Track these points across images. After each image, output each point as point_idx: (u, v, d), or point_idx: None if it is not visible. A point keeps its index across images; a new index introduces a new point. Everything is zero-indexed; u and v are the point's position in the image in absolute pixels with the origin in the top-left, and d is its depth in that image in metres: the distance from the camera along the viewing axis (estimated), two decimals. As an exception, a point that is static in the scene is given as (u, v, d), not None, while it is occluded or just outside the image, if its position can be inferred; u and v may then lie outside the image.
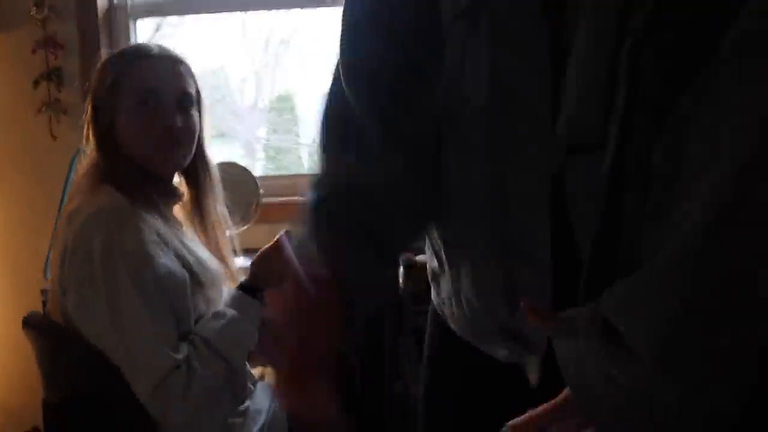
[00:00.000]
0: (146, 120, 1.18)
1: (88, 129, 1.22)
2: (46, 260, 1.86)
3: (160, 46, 1.24)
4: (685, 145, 0.54)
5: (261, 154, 2.60)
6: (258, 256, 1.28)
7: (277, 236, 1.26)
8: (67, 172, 1.91)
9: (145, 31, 2.38)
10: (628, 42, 0.57)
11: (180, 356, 1.07)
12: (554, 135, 0.63)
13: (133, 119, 1.18)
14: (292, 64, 2.55)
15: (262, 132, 2.62)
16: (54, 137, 2.24)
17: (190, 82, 1.23)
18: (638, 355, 0.52)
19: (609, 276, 0.57)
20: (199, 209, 1.30)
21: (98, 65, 1.24)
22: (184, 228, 1.28)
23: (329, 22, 2.41)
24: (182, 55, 1.24)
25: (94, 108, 1.21)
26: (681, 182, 0.54)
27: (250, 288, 1.23)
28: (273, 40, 2.55)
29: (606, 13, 0.59)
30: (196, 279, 1.16)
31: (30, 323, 1.20)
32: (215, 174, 1.32)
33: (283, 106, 2.62)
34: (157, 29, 2.42)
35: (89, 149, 1.22)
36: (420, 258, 1.74)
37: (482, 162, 0.69)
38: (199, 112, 1.25)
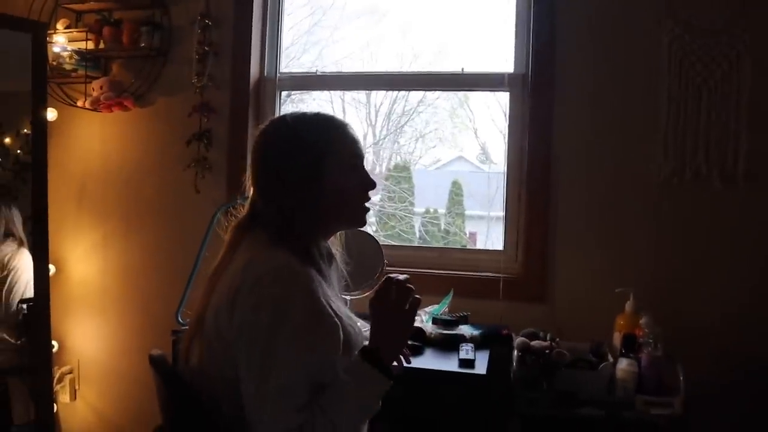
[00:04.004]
0: None
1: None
2: (179, 305, 1.99)
3: None
4: None
5: (373, 219, 2.67)
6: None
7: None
8: (208, 226, 2.05)
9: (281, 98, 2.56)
10: None
11: (300, 419, 1.08)
12: None
13: None
14: (411, 136, 2.65)
15: (376, 198, 2.70)
16: (198, 191, 2.44)
17: None
18: None
19: None
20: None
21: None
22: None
23: (448, 101, 2.53)
24: None
25: None
26: None
27: (371, 352, 1.18)
28: (395, 112, 2.67)
29: None
30: (348, 340, 1.20)
31: (154, 361, 1.28)
32: (341, 238, 1.40)
33: (400, 175, 2.71)
34: (289, 95, 2.61)
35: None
36: (535, 344, 1.73)
37: None
38: None
